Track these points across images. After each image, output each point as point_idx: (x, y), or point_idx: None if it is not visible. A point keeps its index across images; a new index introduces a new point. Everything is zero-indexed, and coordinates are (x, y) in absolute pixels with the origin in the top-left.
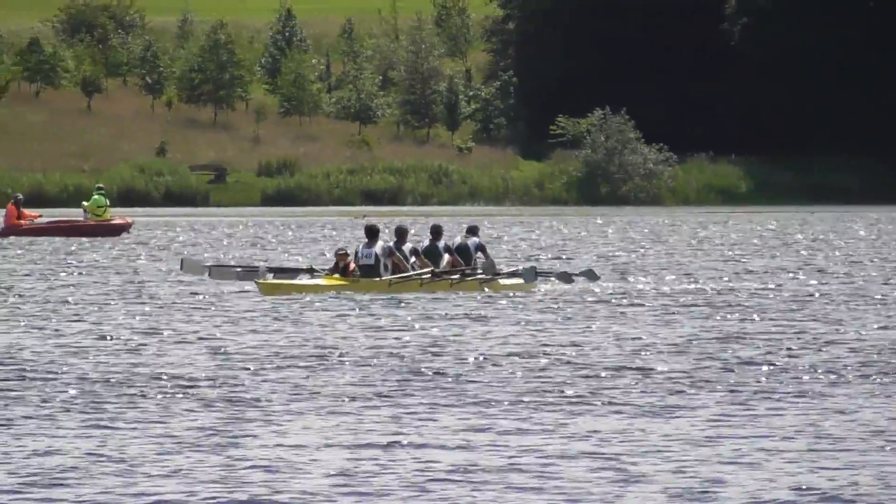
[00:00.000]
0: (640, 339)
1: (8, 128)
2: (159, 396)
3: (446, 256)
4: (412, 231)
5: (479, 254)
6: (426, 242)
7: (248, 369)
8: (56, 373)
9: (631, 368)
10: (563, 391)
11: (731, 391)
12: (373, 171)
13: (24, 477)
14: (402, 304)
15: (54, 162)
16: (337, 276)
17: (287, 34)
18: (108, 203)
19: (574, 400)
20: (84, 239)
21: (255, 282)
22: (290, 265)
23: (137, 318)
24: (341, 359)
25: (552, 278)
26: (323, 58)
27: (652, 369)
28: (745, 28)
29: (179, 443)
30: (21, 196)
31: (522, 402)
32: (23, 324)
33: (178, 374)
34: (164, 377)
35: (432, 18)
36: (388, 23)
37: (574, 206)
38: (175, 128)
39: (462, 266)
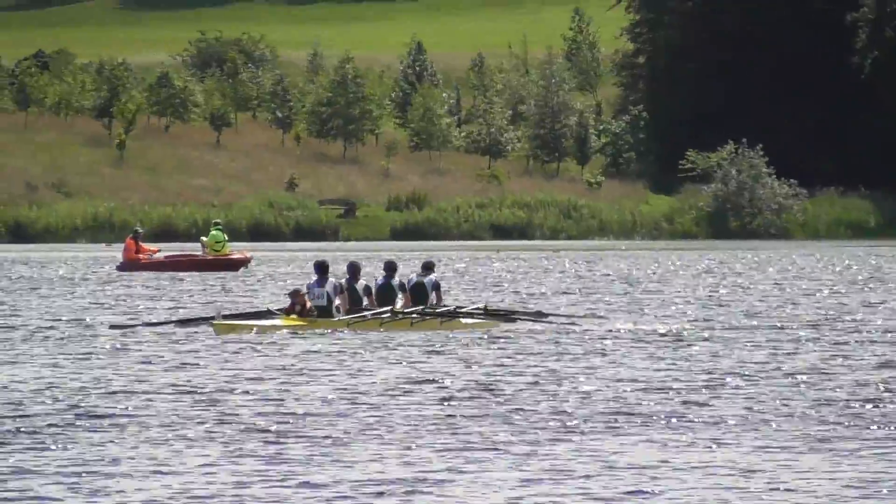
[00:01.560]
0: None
1: (137, 161)
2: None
3: (400, 295)
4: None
5: (434, 293)
6: (380, 279)
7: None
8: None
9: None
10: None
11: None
12: (502, 205)
13: None
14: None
15: (183, 196)
16: (294, 316)
17: (417, 68)
18: (226, 238)
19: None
20: (205, 274)
21: (211, 323)
22: (249, 309)
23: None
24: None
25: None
26: (453, 92)
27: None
28: (875, 61)
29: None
30: (141, 230)
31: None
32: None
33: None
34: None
35: (562, 53)
36: (518, 57)
37: (703, 241)
38: (305, 162)
39: (415, 306)
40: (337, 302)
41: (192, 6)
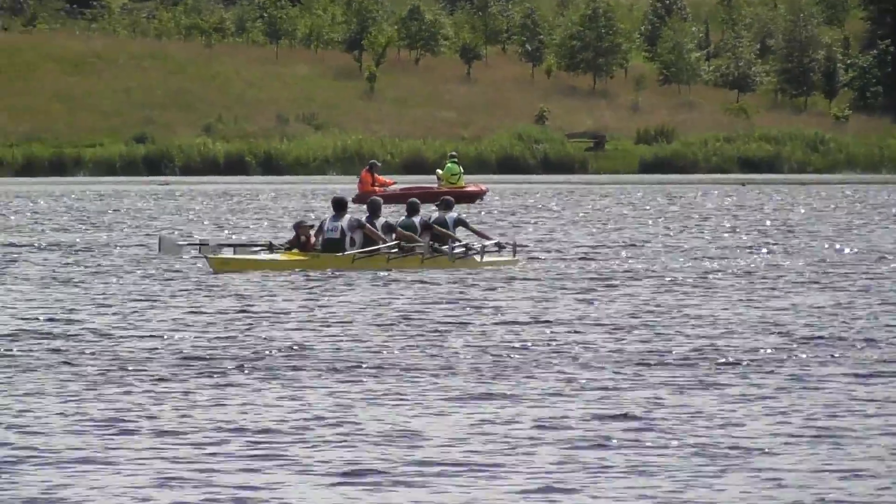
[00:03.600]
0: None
1: (387, 94)
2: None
3: (424, 234)
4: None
5: (461, 228)
6: (401, 218)
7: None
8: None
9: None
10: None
11: None
12: (749, 139)
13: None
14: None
15: (433, 128)
16: (296, 251)
17: (667, 3)
18: (461, 171)
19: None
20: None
21: (206, 257)
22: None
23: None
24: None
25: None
26: (702, 26)
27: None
28: None
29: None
30: (378, 162)
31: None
32: None
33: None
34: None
35: None
36: None
37: None
38: (554, 95)
39: (438, 242)
40: (351, 235)
41: None
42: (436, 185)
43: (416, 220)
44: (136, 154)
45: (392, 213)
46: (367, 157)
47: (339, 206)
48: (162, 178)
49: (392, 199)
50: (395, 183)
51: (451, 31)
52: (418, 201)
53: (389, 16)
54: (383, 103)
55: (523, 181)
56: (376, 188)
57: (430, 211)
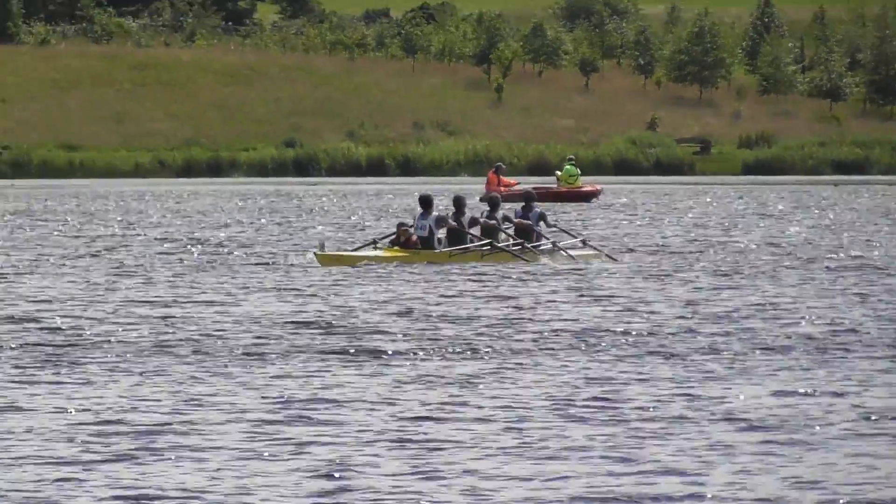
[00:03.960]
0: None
1: (512, 103)
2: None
3: (507, 228)
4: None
5: (542, 223)
6: (485, 214)
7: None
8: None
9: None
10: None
11: None
12: (841, 144)
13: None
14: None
15: (555, 134)
16: (397, 248)
17: (766, 21)
18: (579, 172)
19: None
20: (557, 205)
21: (314, 253)
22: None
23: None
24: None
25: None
26: (797, 42)
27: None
28: None
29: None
30: (503, 165)
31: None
32: None
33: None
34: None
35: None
36: (856, 11)
37: None
38: (663, 104)
39: (518, 239)
40: (439, 234)
41: None
42: (555, 186)
43: (498, 215)
44: (286, 157)
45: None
46: (494, 160)
47: (426, 204)
48: (312, 179)
49: (514, 198)
50: (518, 183)
51: (571, 46)
52: (499, 197)
53: (515, 32)
54: (509, 111)
55: (636, 182)
56: (501, 188)
57: (511, 208)
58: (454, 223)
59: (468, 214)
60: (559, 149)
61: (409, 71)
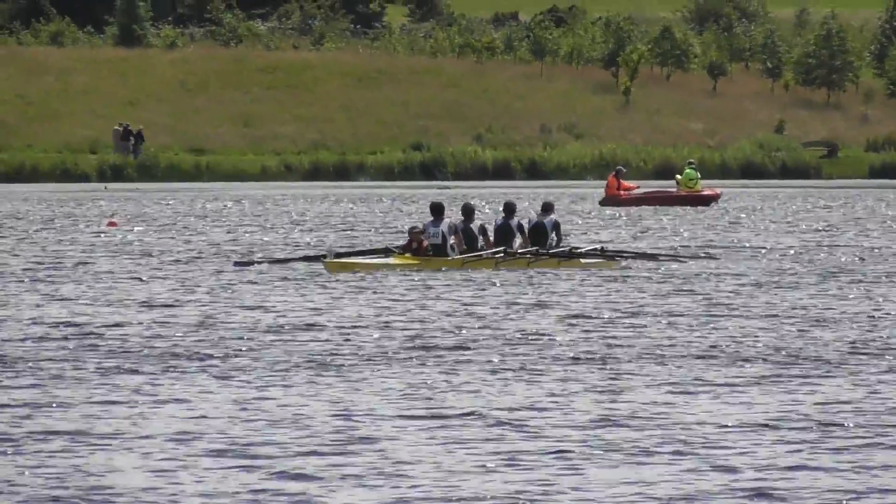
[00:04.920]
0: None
1: (640, 106)
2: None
3: (519, 237)
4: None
5: (554, 233)
6: (499, 220)
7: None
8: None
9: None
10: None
11: None
12: None
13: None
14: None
15: (682, 138)
16: (409, 255)
17: (894, 24)
18: (699, 176)
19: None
20: (677, 208)
21: (322, 261)
22: (368, 246)
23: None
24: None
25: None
26: None
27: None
28: None
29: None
30: (623, 168)
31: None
32: None
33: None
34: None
35: None
36: None
37: None
38: (791, 108)
39: (533, 246)
40: (451, 241)
41: None
42: (675, 190)
43: (513, 222)
44: (413, 160)
45: (626, 218)
46: (621, 164)
47: (437, 211)
48: (441, 183)
49: (634, 202)
50: (638, 187)
51: (699, 49)
52: (515, 203)
53: (643, 36)
54: (637, 115)
55: (763, 185)
56: (621, 192)
57: (530, 213)
58: (462, 233)
59: (477, 222)
60: (686, 152)
61: (537, 74)
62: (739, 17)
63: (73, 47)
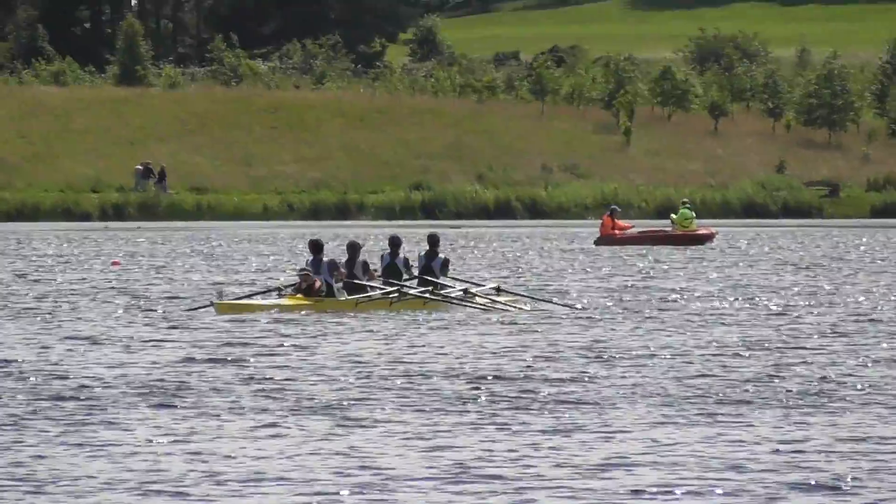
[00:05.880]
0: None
1: (641, 146)
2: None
3: (406, 274)
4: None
5: (442, 270)
6: (386, 257)
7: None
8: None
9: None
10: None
11: None
12: None
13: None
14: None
15: (683, 177)
16: (300, 295)
17: (895, 64)
18: (694, 215)
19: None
20: (670, 248)
21: (211, 302)
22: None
23: None
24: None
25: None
26: None
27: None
28: None
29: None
30: (618, 208)
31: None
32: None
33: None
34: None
35: None
36: None
37: None
38: (792, 148)
39: (422, 284)
40: (329, 280)
41: (692, 6)
42: (670, 229)
43: (399, 260)
44: (413, 200)
45: (620, 255)
46: (622, 204)
47: (316, 249)
48: (453, 223)
49: (629, 241)
50: (633, 227)
51: (700, 89)
52: (401, 240)
53: (644, 76)
54: (638, 155)
55: (763, 225)
56: (616, 232)
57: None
58: (345, 270)
59: (361, 259)
60: (687, 192)
61: (537, 114)
62: (740, 58)
63: (74, 86)
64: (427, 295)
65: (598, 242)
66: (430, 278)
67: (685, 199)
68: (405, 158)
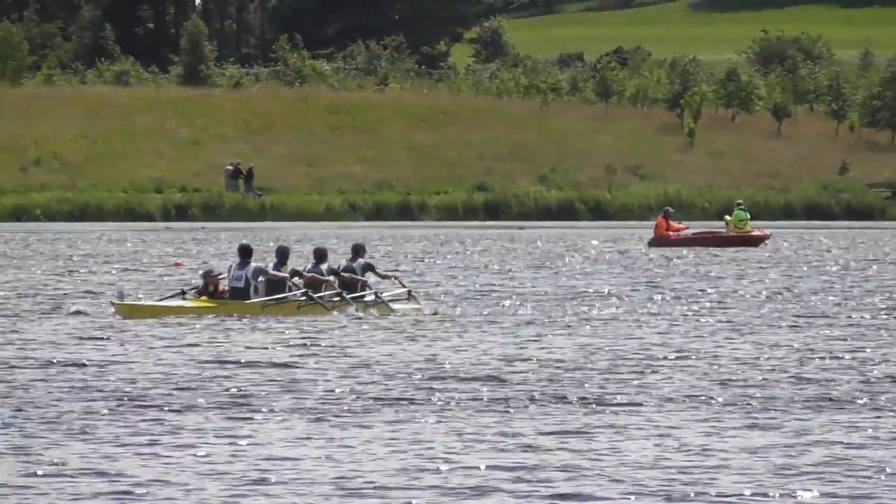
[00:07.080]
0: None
1: (704, 147)
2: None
3: (332, 279)
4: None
5: (369, 273)
6: (309, 266)
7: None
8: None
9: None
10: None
11: None
12: None
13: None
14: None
15: (746, 179)
16: (204, 298)
17: None
18: (748, 217)
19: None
20: (728, 249)
21: (112, 303)
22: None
23: None
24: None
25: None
26: None
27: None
28: None
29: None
30: (671, 209)
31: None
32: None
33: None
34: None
35: None
36: None
37: None
38: (855, 149)
39: (346, 290)
40: (255, 283)
41: (757, 8)
42: (724, 230)
43: (324, 267)
44: (476, 201)
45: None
46: (685, 205)
47: (245, 253)
48: (516, 223)
49: (683, 242)
50: (687, 228)
51: (764, 91)
52: (326, 249)
53: (708, 77)
54: (701, 156)
55: (826, 227)
56: (670, 233)
57: (340, 257)
58: (275, 273)
59: (289, 266)
60: (750, 193)
61: (601, 115)
62: (804, 59)
63: (137, 87)
64: (336, 299)
65: (651, 244)
66: (348, 276)
67: (739, 201)
68: (468, 159)
